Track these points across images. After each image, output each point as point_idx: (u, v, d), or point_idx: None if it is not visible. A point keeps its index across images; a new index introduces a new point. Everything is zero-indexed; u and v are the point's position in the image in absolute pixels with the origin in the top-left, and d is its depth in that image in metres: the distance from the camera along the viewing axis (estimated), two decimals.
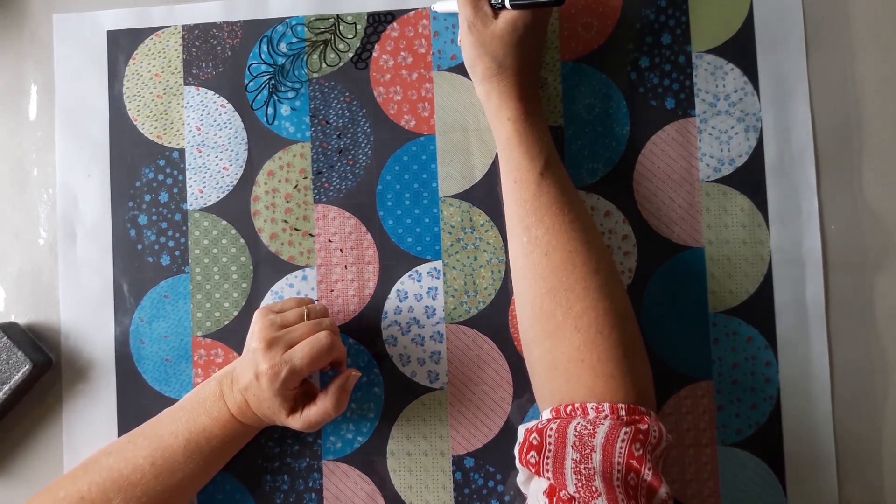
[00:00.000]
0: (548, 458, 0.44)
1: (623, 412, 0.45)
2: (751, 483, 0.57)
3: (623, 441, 0.43)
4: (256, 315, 0.53)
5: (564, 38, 0.60)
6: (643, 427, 0.44)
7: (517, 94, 0.52)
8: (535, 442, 0.45)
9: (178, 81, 0.61)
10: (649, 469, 0.42)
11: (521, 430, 0.47)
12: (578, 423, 0.45)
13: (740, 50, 0.59)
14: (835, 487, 0.57)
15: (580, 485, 0.42)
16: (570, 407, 0.47)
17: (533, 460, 0.44)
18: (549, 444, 0.44)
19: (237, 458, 0.58)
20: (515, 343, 0.58)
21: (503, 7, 0.50)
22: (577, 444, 0.43)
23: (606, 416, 0.45)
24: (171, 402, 0.58)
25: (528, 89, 0.53)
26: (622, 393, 0.46)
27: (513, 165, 0.52)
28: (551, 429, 0.45)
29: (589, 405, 0.46)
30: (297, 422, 0.52)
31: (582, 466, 0.42)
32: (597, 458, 0.42)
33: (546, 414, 0.48)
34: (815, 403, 0.57)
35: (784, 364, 0.57)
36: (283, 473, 0.59)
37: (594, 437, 0.43)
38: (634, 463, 0.42)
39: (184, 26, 0.61)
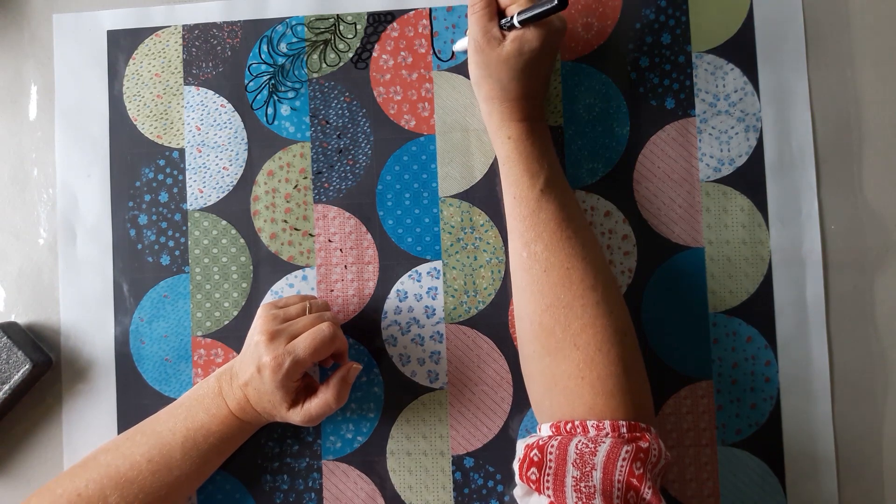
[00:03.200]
0: (548, 475, 0.44)
1: (624, 430, 0.45)
2: (751, 483, 0.57)
3: (624, 460, 0.43)
4: (260, 310, 0.54)
5: (564, 38, 0.60)
6: (644, 445, 0.44)
7: (517, 116, 0.53)
8: (535, 458, 0.45)
9: (178, 81, 0.61)
10: (649, 488, 0.42)
11: (521, 446, 0.47)
12: (580, 441, 0.45)
13: (740, 50, 0.59)
14: (835, 487, 0.57)
15: (580, 503, 0.42)
16: (570, 424, 0.47)
17: (534, 477, 0.44)
18: (550, 461, 0.44)
19: (237, 458, 0.58)
20: (515, 343, 0.58)
21: (512, 27, 0.50)
22: (578, 461, 0.43)
23: (607, 433, 0.45)
24: (170, 402, 0.57)
25: (532, 111, 0.53)
26: (622, 410, 0.46)
27: (512, 182, 0.52)
28: (552, 446, 0.45)
29: (589, 423, 0.46)
30: (297, 415, 0.52)
31: (582, 485, 0.42)
32: (597, 476, 0.42)
33: (546, 429, 0.48)
34: (815, 403, 0.57)
35: (784, 364, 0.57)
36: (283, 473, 0.59)
37: (595, 455, 0.43)
38: (635, 482, 0.42)
39: (184, 26, 0.61)
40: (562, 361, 0.48)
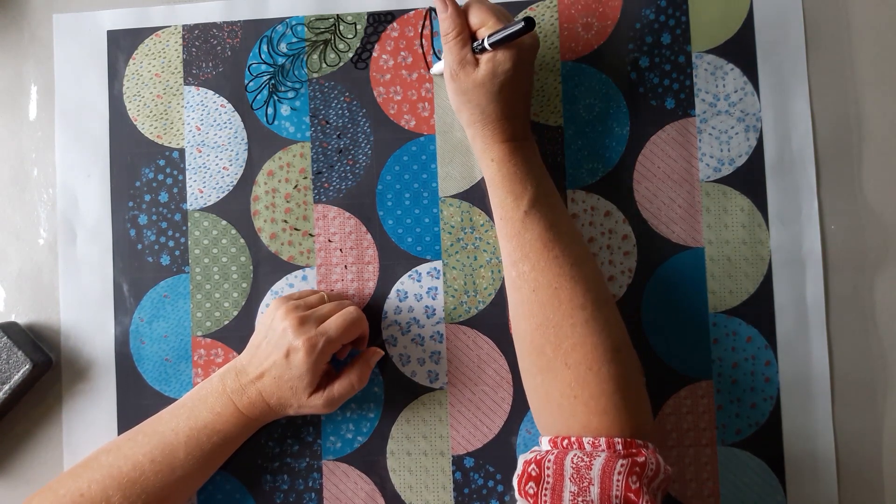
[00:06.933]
0: (546, 489, 0.44)
1: (620, 447, 0.45)
2: (751, 483, 0.57)
3: (620, 474, 0.43)
4: (275, 303, 0.54)
5: (564, 38, 0.60)
6: (640, 459, 0.44)
7: (501, 138, 0.52)
8: (533, 473, 0.45)
9: (178, 81, 0.61)
10: (647, 502, 0.42)
11: (520, 461, 0.47)
12: (575, 455, 0.45)
13: (740, 50, 0.59)
14: (835, 487, 0.57)
15: None
16: (566, 440, 0.47)
17: (531, 491, 0.44)
18: (548, 475, 0.44)
19: (237, 458, 0.58)
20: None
21: (484, 50, 0.50)
22: (575, 476, 0.44)
23: (603, 450, 0.45)
24: (171, 402, 0.57)
25: (515, 132, 0.53)
26: (618, 427, 0.46)
27: (497, 203, 0.53)
28: (549, 460, 0.45)
29: (585, 439, 0.46)
30: (319, 399, 0.53)
31: (580, 499, 0.43)
32: (595, 491, 0.43)
33: (545, 443, 0.49)
34: (815, 403, 0.57)
35: (784, 364, 0.57)
36: (283, 473, 0.59)
37: (591, 469, 0.43)
38: (632, 496, 0.42)
39: (184, 26, 0.61)
40: (554, 380, 0.48)
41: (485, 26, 0.51)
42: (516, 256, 0.51)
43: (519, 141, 0.53)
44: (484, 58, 0.51)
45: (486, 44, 0.50)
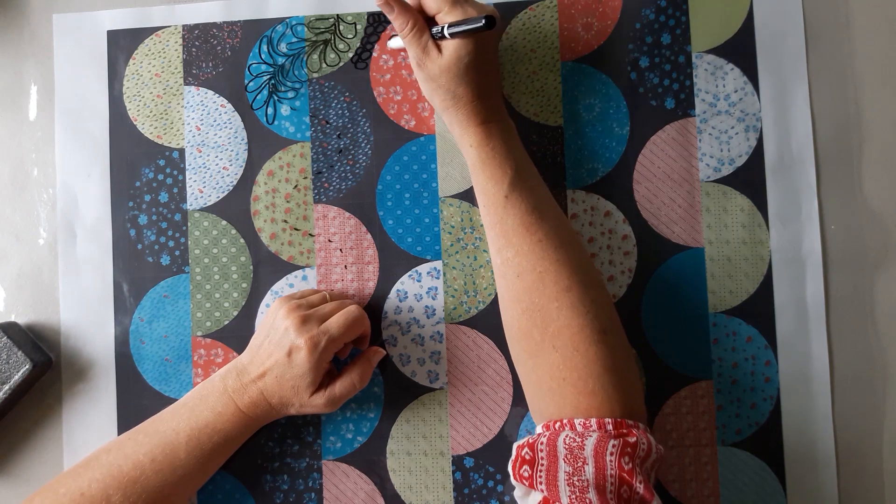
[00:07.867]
0: (540, 471, 0.44)
1: (610, 426, 0.45)
2: (751, 483, 0.57)
3: (612, 454, 0.43)
4: (277, 303, 0.54)
5: (564, 38, 0.60)
6: (632, 440, 0.44)
7: (476, 120, 0.53)
8: (527, 456, 0.45)
9: (178, 81, 0.61)
10: (640, 482, 0.42)
11: (514, 447, 0.47)
12: (567, 436, 0.45)
13: (740, 50, 0.59)
14: (835, 487, 0.57)
15: (574, 497, 0.42)
16: (558, 423, 0.47)
17: (526, 474, 0.45)
18: (541, 457, 0.44)
19: (237, 458, 0.58)
20: None
21: (443, 37, 0.51)
22: (569, 456, 0.44)
23: (594, 430, 0.45)
24: (171, 402, 0.57)
25: (490, 113, 0.53)
26: (607, 408, 0.46)
27: (480, 190, 0.53)
28: (541, 442, 0.45)
29: (576, 421, 0.46)
30: (320, 398, 0.53)
31: (575, 479, 0.43)
32: (589, 470, 0.43)
33: (539, 429, 0.49)
34: (815, 403, 0.57)
35: (784, 364, 0.57)
36: (283, 473, 0.59)
37: (584, 449, 0.44)
38: (626, 476, 0.42)
39: (184, 26, 0.61)
40: (542, 363, 0.49)
41: (441, 11, 0.51)
42: (500, 243, 0.51)
43: (495, 122, 0.53)
44: (446, 43, 0.51)
45: (445, 33, 0.50)
